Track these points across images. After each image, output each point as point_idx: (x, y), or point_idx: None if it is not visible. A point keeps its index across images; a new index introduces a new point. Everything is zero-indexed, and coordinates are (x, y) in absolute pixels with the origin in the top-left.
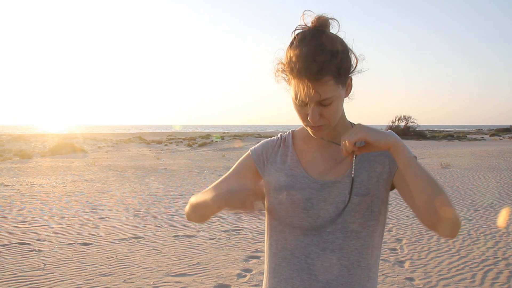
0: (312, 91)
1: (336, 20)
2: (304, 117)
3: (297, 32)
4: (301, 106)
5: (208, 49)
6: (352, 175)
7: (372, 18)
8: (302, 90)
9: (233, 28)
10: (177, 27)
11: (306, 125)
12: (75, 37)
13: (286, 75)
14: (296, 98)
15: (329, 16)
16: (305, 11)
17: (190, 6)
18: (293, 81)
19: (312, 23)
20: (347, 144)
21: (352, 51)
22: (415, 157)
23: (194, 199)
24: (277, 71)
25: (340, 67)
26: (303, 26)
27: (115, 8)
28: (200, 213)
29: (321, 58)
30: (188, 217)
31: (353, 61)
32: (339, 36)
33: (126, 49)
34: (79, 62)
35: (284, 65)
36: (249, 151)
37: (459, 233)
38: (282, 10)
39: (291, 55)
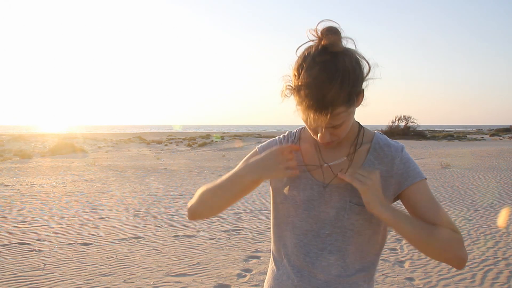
0: (323, 122)
1: (351, 38)
2: (314, 133)
3: (302, 49)
4: (311, 127)
5: (208, 49)
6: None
7: (372, 18)
8: (312, 120)
9: (233, 28)
10: (177, 27)
11: (316, 138)
12: (75, 37)
13: (295, 100)
14: (306, 121)
15: (336, 26)
16: (321, 21)
17: (190, 6)
18: (302, 108)
19: (319, 38)
20: (354, 178)
21: (364, 59)
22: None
23: (204, 188)
24: (285, 90)
25: (351, 92)
26: (310, 46)
27: (115, 8)
28: (217, 201)
29: (331, 94)
30: (194, 211)
31: (365, 70)
32: (349, 50)
33: (126, 49)
34: (79, 62)
35: (293, 89)
36: (255, 148)
37: None
38: (283, 10)
39: (300, 85)
